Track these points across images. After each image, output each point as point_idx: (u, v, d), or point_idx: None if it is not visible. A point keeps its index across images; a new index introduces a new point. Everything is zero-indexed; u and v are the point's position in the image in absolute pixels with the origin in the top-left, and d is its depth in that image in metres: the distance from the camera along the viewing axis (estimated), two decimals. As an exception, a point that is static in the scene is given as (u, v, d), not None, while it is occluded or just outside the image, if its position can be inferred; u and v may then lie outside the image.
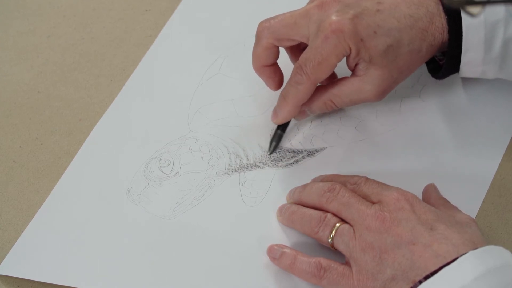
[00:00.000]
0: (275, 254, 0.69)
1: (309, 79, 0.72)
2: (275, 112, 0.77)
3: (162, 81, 0.85)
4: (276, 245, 0.70)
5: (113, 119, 0.82)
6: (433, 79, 0.81)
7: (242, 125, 0.80)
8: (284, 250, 0.69)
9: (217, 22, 0.90)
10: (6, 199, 0.78)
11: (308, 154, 0.78)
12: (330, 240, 0.67)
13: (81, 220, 0.75)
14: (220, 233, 0.73)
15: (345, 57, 0.72)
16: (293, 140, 0.79)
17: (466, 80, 0.81)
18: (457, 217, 0.66)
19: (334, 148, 0.78)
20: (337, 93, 0.74)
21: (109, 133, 0.81)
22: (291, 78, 0.74)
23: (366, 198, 0.68)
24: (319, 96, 0.75)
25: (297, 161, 0.77)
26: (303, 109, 0.76)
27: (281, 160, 0.77)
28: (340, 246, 0.67)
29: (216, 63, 0.86)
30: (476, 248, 0.62)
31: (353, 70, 0.73)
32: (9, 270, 0.72)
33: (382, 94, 0.74)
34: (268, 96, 0.82)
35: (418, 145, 0.77)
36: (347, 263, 0.66)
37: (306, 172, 0.75)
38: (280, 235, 0.72)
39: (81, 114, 0.83)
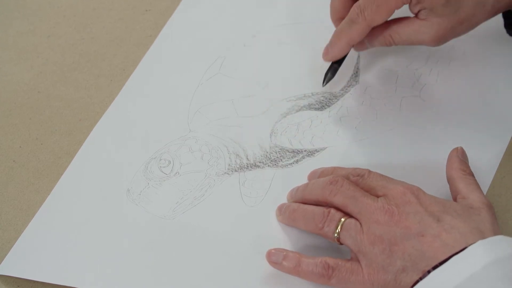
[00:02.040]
0: (277, 258, 0.68)
1: (364, 19, 0.75)
2: (327, 49, 0.79)
3: (162, 81, 0.85)
4: (275, 249, 0.69)
5: (113, 119, 0.82)
6: (433, 79, 0.81)
7: (242, 125, 0.80)
8: (286, 253, 0.68)
9: (217, 22, 0.90)
10: (6, 199, 0.78)
11: (308, 154, 0.78)
12: (336, 235, 0.67)
13: (81, 220, 0.75)
14: (220, 233, 0.73)
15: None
16: (293, 140, 0.79)
17: (466, 80, 0.81)
18: (470, 199, 0.66)
19: (334, 148, 0.78)
20: (396, 29, 0.76)
21: (109, 133, 0.81)
22: (348, 16, 0.76)
23: (370, 190, 0.68)
24: (380, 29, 0.77)
25: (297, 161, 0.77)
26: (363, 41, 0.78)
27: (281, 160, 0.77)
28: (347, 241, 0.66)
29: (216, 63, 0.86)
30: (483, 237, 0.62)
31: (416, 14, 0.75)
32: (9, 270, 0.72)
33: (439, 40, 0.75)
34: (268, 96, 0.82)
35: (418, 144, 0.77)
36: (353, 259, 0.66)
37: (306, 172, 0.75)
38: (280, 235, 0.72)
39: (81, 114, 0.83)
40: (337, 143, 0.78)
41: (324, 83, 0.80)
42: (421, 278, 0.62)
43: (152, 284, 0.70)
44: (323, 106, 0.81)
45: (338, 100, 0.81)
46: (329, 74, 0.80)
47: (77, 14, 0.93)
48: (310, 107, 0.81)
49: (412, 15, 0.76)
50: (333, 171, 0.73)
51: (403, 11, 0.76)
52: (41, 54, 0.89)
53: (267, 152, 0.78)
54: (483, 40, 0.82)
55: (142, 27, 0.91)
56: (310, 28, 0.85)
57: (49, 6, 0.94)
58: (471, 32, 0.81)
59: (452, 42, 0.82)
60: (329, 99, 0.81)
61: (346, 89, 0.82)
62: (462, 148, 0.72)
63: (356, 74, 0.83)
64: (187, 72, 0.85)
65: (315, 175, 0.74)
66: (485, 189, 0.73)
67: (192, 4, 0.92)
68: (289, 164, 0.77)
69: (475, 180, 0.69)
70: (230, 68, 0.85)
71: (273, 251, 0.69)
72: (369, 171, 0.70)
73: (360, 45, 0.79)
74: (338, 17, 0.79)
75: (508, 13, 0.78)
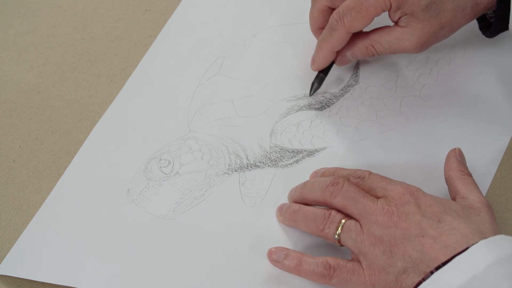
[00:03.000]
0: (278, 257, 0.68)
1: (344, 26, 0.75)
2: (313, 58, 0.80)
3: (162, 81, 0.85)
4: (276, 248, 0.69)
5: (113, 119, 0.82)
6: (433, 79, 0.81)
7: (242, 125, 0.80)
8: (287, 252, 0.68)
9: (217, 22, 0.90)
10: (6, 199, 0.78)
11: (308, 154, 0.78)
12: (336, 237, 0.67)
13: (81, 220, 0.75)
14: (220, 233, 0.73)
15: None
16: (293, 140, 0.79)
17: (466, 79, 0.81)
18: (469, 199, 0.66)
19: (334, 148, 0.78)
20: (378, 39, 0.77)
21: (109, 133, 0.81)
22: (328, 24, 0.77)
23: (370, 192, 0.68)
24: (361, 40, 0.78)
25: (297, 161, 0.77)
26: (345, 54, 0.79)
27: (281, 160, 0.77)
28: (348, 242, 0.66)
29: (216, 63, 0.86)
30: (484, 237, 0.62)
31: (396, 21, 0.76)
32: (9, 270, 0.72)
33: (421, 46, 0.76)
34: (268, 96, 0.82)
35: (418, 144, 0.77)
36: (354, 259, 0.66)
37: (306, 172, 0.75)
38: (280, 235, 0.72)
39: (81, 114, 0.83)
40: (337, 143, 0.78)
41: (311, 93, 0.81)
42: (423, 279, 0.62)
43: (152, 284, 0.70)
44: (323, 106, 0.81)
45: (338, 100, 0.81)
46: (315, 84, 0.81)
47: (77, 14, 0.93)
48: (310, 107, 0.81)
49: (392, 24, 0.76)
50: (334, 171, 0.73)
51: (384, 21, 0.76)
52: (41, 54, 0.89)
53: (267, 152, 0.78)
54: (483, 40, 0.82)
55: (142, 27, 0.91)
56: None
57: (49, 6, 0.94)
58: (471, 32, 0.81)
59: (452, 42, 0.82)
60: (329, 99, 0.81)
61: (346, 89, 0.82)
62: (459, 149, 0.72)
63: (356, 74, 0.83)
64: (187, 72, 0.85)
65: (316, 176, 0.74)
66: (485, 189, 0.73)
67: (192, 4, 0.92)
68: (289, 164, 0.77)
69: (474, 180, 0.69)
70: (230, 68, 0.85)
71: (274, 249, 0.69)
72: (370, 173, 0.70)
73: (342, 58, 0.80)
74: (317, 27, 0.80)
75: (482, 16, 0.79)
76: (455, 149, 0.72)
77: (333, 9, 0.78)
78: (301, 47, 0.86)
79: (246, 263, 0.70)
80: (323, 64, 0.80)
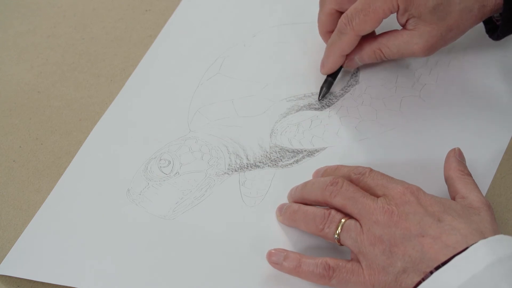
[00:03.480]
0: (277, 259, 0.68)
1: (352, 29, 0.76)
2: (322, 62, 0.81)
3: (162, 81, 0.85)
4: (275, 249, 0.69)
5: (113, 119, 0.82)
6: (433, 79, 0.81)
7: (242, 125, 0.80)
8: (287, 253, 0.68)
9: (217, 22, 0.90)
10: (6, 199, 0.78)
11: (308, 154, 0.78)
12: (336, 236, 0.67)
13: (81, 220, 0.75)
14: (220, 233, 0.73)
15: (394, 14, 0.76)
16: (293, 140, 0.79)
17: (466, 80, 0.81)
18: (469, 198, 0.66)
19: (334, 148, 0.78)
20: (386, 43, 0.77)
21: (109, 133, 0.81)
22: (337, 27, 0.77)
23: (370, 190, 0.68)
24: (369, 44, 0.78)
25: (297, 161, 0.77)
26: (353, 58, 0.80)
27: (281, 160, 0.77)
28: (347, 242, 0.66)
29: (216, 63, 0.86)
30: (484, 237, 0.62)
31: (404, 25, 0.76)
32: (9, 270, 0.72)
33: (429, 49, 0.76)
34: (268, 96, 0.82)
35: (418, 144, 0.77)
36: (353, 260, 0.66)
37: (306, 172, 0.75)
38: (280, 235, 0.72)
39: (81, 114, 0.83)
40: (337, 143, 0.78)
41: (320, 97, 0.81)
42: (423, 279, 0.62)
43: (152, 284, 0.70)
44: (323, 106, 0.81)
45: (338, 100, 0.81)
46: (324, 89, 0.81)
47: (77, 14, 0.93)
48: (310, 107, 0.81)
49: (399, 28, 0.76)
50: (336, 168, 0.73)
51: (392, 25, 0.76)
52: (41, 54, 0.89)
53: (267, 152, 0.78)
54: (483, 40, 0.82)
55: (142, 27, 0.91)
56: (310, 28, 0.85)
57: (49, 6, 0.94)
58: (471, 33, 0.81)
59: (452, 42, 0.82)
60: (329, 99, 0.81)
61: (346, 89, 0.82)
62: (459, 149, 0.72)
63: (356, 74, 0.83)
64: (187, 72, 0.85)
65: (318, 174, 0.74)
66: (485, 188, 0.73)
67: (192, 4, 0.92)
68: (289, 164, 0.77)
69: (473, 180, 0.69)
70: (230, 68, 0.85)
71: (273, 251, 0.69)
72: (371, 170, 0.70)
73: (350, 62, 0.80)
74: (326, 30, 0.80)
75: (488, 19, 0.79)
76: (454, 149, 0.72)
77: (341, 13, 0.78)
78: (301, 47, 0.86)
79: (246, 263, 0.70)
80: (332, 68, 0.80)
